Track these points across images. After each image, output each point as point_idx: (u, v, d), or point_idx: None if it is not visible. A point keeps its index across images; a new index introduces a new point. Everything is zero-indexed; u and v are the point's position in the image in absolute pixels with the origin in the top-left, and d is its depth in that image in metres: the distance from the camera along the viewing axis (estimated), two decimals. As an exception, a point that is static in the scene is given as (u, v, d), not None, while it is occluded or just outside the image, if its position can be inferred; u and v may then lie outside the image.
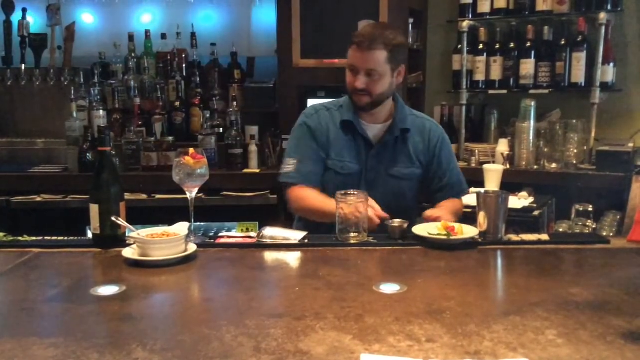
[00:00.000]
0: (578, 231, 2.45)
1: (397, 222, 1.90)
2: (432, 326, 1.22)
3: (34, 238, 1.91)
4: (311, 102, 3.32)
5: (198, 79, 3.57)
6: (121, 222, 1.80)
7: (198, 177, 1.84)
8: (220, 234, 1.97)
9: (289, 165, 2.20)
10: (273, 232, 1.91)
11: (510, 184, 2.90)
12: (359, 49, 2.06)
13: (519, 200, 2.87)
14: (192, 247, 1.74)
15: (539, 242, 1.88)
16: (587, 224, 2.47)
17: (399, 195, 2.17)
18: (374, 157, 2.18)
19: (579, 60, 3.21)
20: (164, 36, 3.67)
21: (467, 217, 2.17)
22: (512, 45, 3.42)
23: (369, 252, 1.81)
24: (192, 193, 1.84)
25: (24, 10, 3.63)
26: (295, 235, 1.89)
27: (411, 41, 3.53)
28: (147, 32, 3.67)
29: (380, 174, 2.17)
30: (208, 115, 3.38)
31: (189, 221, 1.85)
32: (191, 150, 1.86)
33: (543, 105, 3.33)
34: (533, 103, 3.22)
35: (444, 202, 2.21)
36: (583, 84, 3.22)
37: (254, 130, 3.42)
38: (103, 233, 1.82)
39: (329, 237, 1.91)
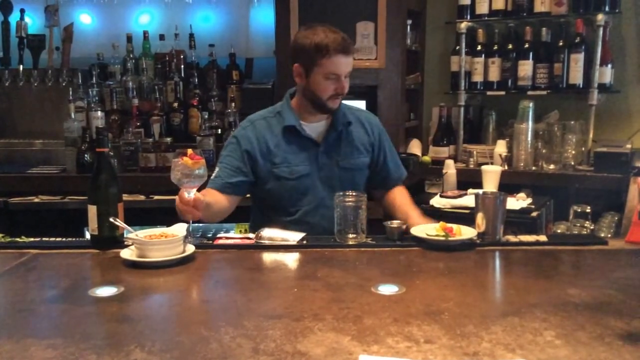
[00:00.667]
0: (576, 232, 2.45)
1: (395, 223, 1.91)
2: (431, 327, 1.22)
3: (32, 239, 1.91)
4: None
5: (196, 80, 3.57)
6: (119, 223, 1.80)
7: (196, 178, 1.84)
8: (219, 235, 1.97)
9: (214, 173, 2.18)
10: (271, 233, 1.91)
11: (508, 185, 2.90)
12: (345, 55, 2.09)
13: (517, 202, 2.87)
14: (191, 248, 1.74)
15: (537, 243, 1.88)
16: (585, 225, 2.47)
17: (354, 187, 2.13)
18: (323, 154, 2.20)
19: (577, 61, 3.21)
20: (162, 37, 3.66)
21: (466, 218, 2.17)
22: (510, 46, 3.42)
23: (367, 253, 1.81)
24: (190, 193, 1.83)
25: (22, 11, 3.63)
26: (294, 236, 1.89)
27: (409, 42, 3.54)
28: (145, 33, 3.67)
29: (333, 169, 2.19)
30: (206, 116, 3.38)
31: (188, 222, 1.85)
32: (189, 150, 1.86)
33: (541, 107, 3.33)
34: (531, 104, 3.22)
35: (402, 203, 2.27)
36: (581, 85, 3.22)
37: (252, 131, 3.41)
38: (101, 234, 1.82)
39: (327, 238, 1.91)
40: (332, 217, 1.92)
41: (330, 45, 2.06)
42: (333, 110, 2.18)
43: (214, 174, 2.16)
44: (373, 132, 2.30)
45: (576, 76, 3.22)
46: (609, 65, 3.22)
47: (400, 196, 2.32)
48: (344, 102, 2.28)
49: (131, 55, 3.63)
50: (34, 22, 3.77)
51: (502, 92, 3.45)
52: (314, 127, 2.22)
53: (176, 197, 1.86)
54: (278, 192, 2.18)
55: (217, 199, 2.09)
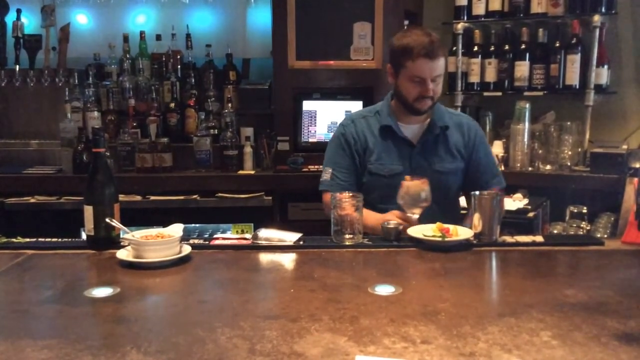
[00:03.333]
0: (572, 233, 2.46)
1: (392, 223, 1.91)
2: (427, 327, 1.22)
3: (28, 240, 1.90)
4: (306, 104, 3.34)
5: (193, 80, 3.56)
6: (115, 223, 1.79)
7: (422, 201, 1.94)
8: (215, 236, 1.97)
9: (326, 174, 2.30)
10: (268, 234, 1.91)
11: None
12: (429, 59, 2.11)
13: (514, 202, 2.88)
14: (187, 249, 1.74)
15: (534, 243, 1.89)
16: (582, 225, 2.48)
17: (446, 190, 2.22)
18: (419, 155, 2.24)
19: (573, 62, 3.21)
20: (158, 37, 3.66)
21: (462, 218, 2.18)
22: (506, 47, 3.42)
23: (363, 253, 1.81)
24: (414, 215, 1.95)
25: (19, 11, 3.62)
26: (290, 237, 1.89)
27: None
28: (141, 33, 3.66)
29: (427, 171, 2.19)
30: (203, 117, 3.37)
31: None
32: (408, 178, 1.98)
33: (537, 107, 3.34)
34: (527, 105, 3.22)
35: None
36: (577, 86, 3.23)
37: (249, 131, 3.42)
38: (97, 234, 1.81)
39: (324, 239, 1.91)
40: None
41: (415, 49, 2.11)
42: (422, 112, 2.22)
43: (327, 177, 2.27)
44: (470, 136, 2.29)
45: (572, 77, 3.23)
46: (605, 66, 3.23)
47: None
48: (444, 107, 2.35)
49: (128, 56, 3.62)
50: (30, 22, 3.76)
51: (499, 93, 3.45)
52: (411, 128, 2.27)
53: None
54: (372, 187, 2.24)
55: None
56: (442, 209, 2.12)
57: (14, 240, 1.90)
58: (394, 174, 2.20)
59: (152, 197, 3.16)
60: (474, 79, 3.50)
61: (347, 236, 1.86)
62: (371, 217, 2.06)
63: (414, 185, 1.95)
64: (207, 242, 1.89)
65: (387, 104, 2.31)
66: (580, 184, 3.05)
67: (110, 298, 1.42)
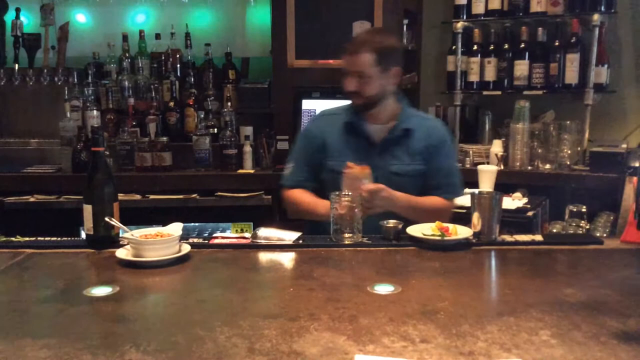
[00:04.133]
0: (572, 232, 2.46)
1: (391, 222, 1.91)
2: (426, 327, 1.22)
3: (27, 238, 1.90)
4: (306, 103, 3.34)
5: (192, 79, 3.56)
6: (115, 222, 1.79)
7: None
8: (215, 235, 1.97)
9: (287, 169, 2.35)
10: (267, 233, 1.91)
11: (504, 185, 2.91)
12: (349, 54, 2.19)
13: (513, 201, 2.88)
14: (186, 248, 1.74)
15: (533, 242, 1.89)
16: (581, 224, 2.48)
17: (403, 192, 2.18)
18: (377, 155, 2.23)
19: (573, 61, 3.22)
20: (158, 36, 3.66)
21: (461, 217, 2.18)
22: (506, 46, 3.42)
23: (363, 252, 1.81)
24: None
25: (18, 10, 3.62)
26: (290, 236, 1.89)
27: (405, 42, 3.54)
28: (141, 32, 3.66)
29: (384, 171, 2.20)
30: (202, 116, 3.38)
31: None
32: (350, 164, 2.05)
33: (537, 106, 3.34)
34: (527, 104, 3.23)
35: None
36: (577, 85, 3.23)
37: (248, 130, 3.42)
38: (97, 233, 1.81)
39: (323, 238, 1.91)
40: (379, 216, 1.98)
41: (346, 45, 2.20)
42: (355, 107, 2.25)
43: (287, 172, 2.34)
44: (432, 141, 2.28)
45: (572, 76, 3.23)
46: (605, 65, 3.23)
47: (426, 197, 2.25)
48: (415, 110, 2.40)
49: (127, 55, 3.62)
50: (29, 21, 3.76)
51: (498, 92, 3.45)
52: (377, 128, 2.28)
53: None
54: (330, 184, 2.22)
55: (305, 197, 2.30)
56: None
57: (13, 239, 1.90)
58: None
59: (152, 196, 3.16)
60: (474, 78, 3.50)
61: (346, 235, 1.86)
62: (320, 204, 2.16)
63: (356, 171, 2.02)
64: (206, 241, 1.89)
65: None
66: (579, 183, 3.05)
67: (110, 297, 1.42)
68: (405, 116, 2.29)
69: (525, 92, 3.35)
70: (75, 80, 3.51)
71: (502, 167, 3.21)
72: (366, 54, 2.15)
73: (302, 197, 2.30)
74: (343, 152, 2.24)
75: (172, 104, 3.49)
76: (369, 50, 2.16)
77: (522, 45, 3.36)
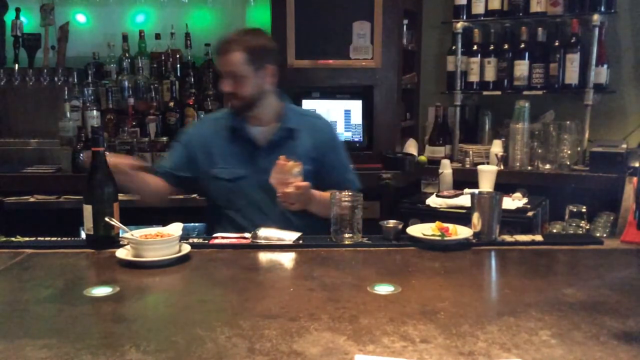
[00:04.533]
0: (572, 232, 2.46)
1: (391, 222, 1.91)
2: (426, 327, 1.22)
3: (27, 239, 1.90)
4: (306, 103, 3.34)
5: (192, 79, 3.56)
6: (115, 222, 1.79)
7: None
8: (215, 235, 1.97)
9: (162, 160, 2.31)
10: (267, 233, 1.91)
11: (504, 185, 2.91)
12: (219, 54, 2.16)
13: (513, 201, 2.88)
14: (186, 248, 1.74)
15: (533, 242, 1.89)
16: (581, 224, 2.48)
17: None
18: (264, 159, 2.16)
19: (573, 61, 3.21)
20: (158, 36, 3.65)
21: (461, 217, 2.18)
22: (506, 46, 3.42)
23: (363, 252, 1.81)
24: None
25: (18, 10, 3.61)
26: (290, 236, 1.89)
27: (406, 42, 3.53)
28: (141, 32, 3.66)
29: (270, 174, 2.12)
30: (202, 116, 3.37)
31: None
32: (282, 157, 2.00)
33: (537, 107, 3.33)
34: (527, 104, 3.22)
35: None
36: (577, 86, 3.22)
37: (248, 130, 3.41)
38: (97, 234, 1.81)
39: (323, 238, 1.91)
40: (268, 222, 2.01)
41: (217, 45, 2.19)
42: (234, 109, 2.22)
43: (162, 161, 2.30)
44: (321, 140, 2.26)
45: (572, 76, 3.22)
46: (605, 66, 3.23)
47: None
48: (297, 108, 2.37)
49: (127, 55, 3.61)
50: (29, 21, 3.76)
51: (498, 92, 3.45)
52: (259, 130, 2.23)
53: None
54: (217, 192, 2.22)
55: (157, 182, 2.22)
56: (293, 214, 2.11)
57: (13, 239, 1.90)
58: (236, 177, 2.18)
59: (152, 197, 3.16)
60: (474, 78, 3.49)
61: (346, 235, 1.86)
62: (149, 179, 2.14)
63: (289, 165, 1.99)
64: (206, 242, 1.89)
65: None
66: (579, 183, 3.05)
67: (110, 297, 1.42)
68: (289, 115, 2.25)
69: (525, 92, 3.35)
70: (75, 80, 3.50)
71: (502, 167, 3.21)
72: (236, 53, 2.10)
73: (147, 178, 2.19)
74: (228, 159, 2.20)
75: (172, 104, 3.49)
76: (239, 50, 2.11)
77: (522, 46, 3.36)
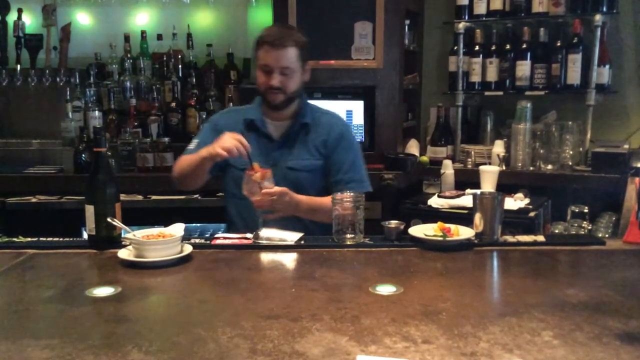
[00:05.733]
0: (574, 232, 2.45)
1: (393, 223, 1.91)
2: (428, 327, 1.22)
3: (29, 239, 1.90)
4: (307, 103, 3.34)
5: (194, 80, 3.56)
6: (117, 223, 1.79)
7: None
8: (216, 235, 1.97)
9: (191, 145, 2.28)
10: (269, 233, 1.91)
11: (506, 186, 2.90)
12: (273, 48, 2.13)
13: (515, 202, 2.88)
14: (188, 248, 1.74)
15: (535, 243, 1.88)
16: (583, 225, 2.47)
17: (299, 187, 2.16)
18: (276, 151, 2.23)
19: (575, 62, 3.21)
20: (159, 37, 3.66)
21: (463, 218, 2.17)
22: (508, 46, 3.42)
23: (365, 253, 1.81)
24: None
25: (20, 11, 3.62)
26: (292, 236, 1.89)
27: (407, 42, 3.53)
28: (143, 32, 3.66)
29: (280, 167, 2.18)
30: (204, 116, 3.37)
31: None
32: (256, 165, 2.00)
33: (539, 107, 3.33)
34: (529, 104, 3.22)
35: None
36: (579, 86, 3.22)
37: (250, 131, 3.41)
38: (98, 234, 1.82)
39: (325, 238, 1.91)
40: (280, 220, 2.02)
41: (263, 38, 2.16)
42: (275, 106, 2.22)
43: (191, 147, 2.25)
44: (332, 136, 2.26)
45: (574, 76, 3.22)
46: (607, 66, 3.22)
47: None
48: (315, 105, 2.37)
49: (129, 55, 3.62)
50: (31, 22, 3.77)
51: (500, 93, 3.44)
52: (277, 125, 2.27)
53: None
54: (229, 179, 2.26)
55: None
56: None
57: (15, 239, 1.90)
58: (247, 167, 2.16)
59: (153, 197, 3.16)
60: (475, 78, 3.49)
61: (348, 235, 1.86)
62: (202, 151, 2.08)
63: (257, 176, 1.99)
64: (208, 242, 1.89)
65: (260, 100, 2.30)
66: (581, 184, 3.04)
67: (112, 297, 1.42)
68: (305, 111, 2.28)
69: (527, 93, 3.34)
70: (77, 80, 3.51)
71: (503, 168, 3.21)
72: (292, 48, 2.14)
73: (184, 157, 2.23)
74: None
75: (173, 104, 3.49)
76: (293, 45, 2.14)
77: (524, 46, 3.35)
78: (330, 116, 2.37)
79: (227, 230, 2.26)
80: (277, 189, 2.01)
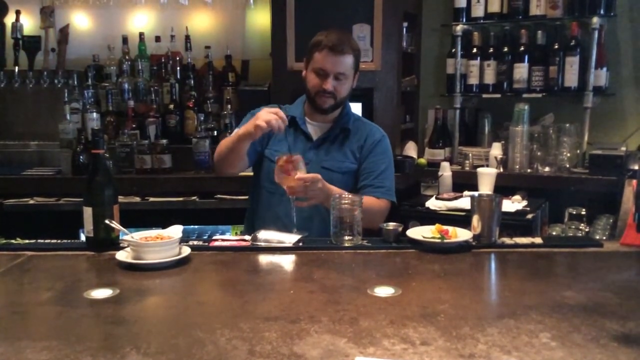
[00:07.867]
0: (571, 234, 2.46)
1: (391, 225, 1.91)
2: (427, 329, 1.22)
3: (27, 241, 1.90)
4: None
5: (192, 82, 3.56)
6: (115, 224, 1.79)
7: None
8: (214, 237, 1.97)
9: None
10: (267, 235, 1.91)
11: (503, 188, 2.91)
12: (332, 53, 2.17)
13: (513, 204, 2.88)
14: (186, 250, 1.74)
15: (533, 245, 1.89)
16: (580, 227, 2.48)
17: None
18: (312, 150, 2.27)
19: (572, 64, 3.22)
20: (158, 39, 3.66)
21: (461, 220, 2.18)
22: (505, 49, 3.43)
23: (363, 255, 1.81)
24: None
25: (18, 12, 3.62)
26: (290, 238, 1.89)
27: (405, 45, 3.54)
28: (141, 34, 3.66)
29: (315, 166, 2.20)
30: (202, 118, 3.37)
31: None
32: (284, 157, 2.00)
33: (536, 109, 3.34)
34: (526, 107, 3.23)
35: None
36: (576, 88, 3.23)
37: (248, 133, 3.41)
38: (97, 236, 1.81)
39: (323, 240, 1.91)
40: (302, 211, 2.05)
41: (323, 42, 2.18)
42: (323, 109, 2.25)
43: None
44: (367, 142, 2.30)
45: (571, 79, 3.23)
46: (604, 68, 3.24)
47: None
48: (357, 115, 2.43)
49: (127, 57, 3.62)
50: (29, 24, 3.76)
51: (498, 95, 3.45)
52: (317, 125, 2.32)
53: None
54: (265, 171, 2.28)
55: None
56: (325, 208, 2.11)
57: (13, 241, 1.90)
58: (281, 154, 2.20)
59: (152, 199, 3.16)
60: (473, 80, 3.50)
61: (346, 237, 1.86)
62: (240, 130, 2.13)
63: (288, 160, 1.99)
64: (206, 244, 1.89)
65: (303, 99, 2.36)
66: (579, 186, 3.05)
67: (110, 299, 1.42)
68: (347, 117, 2.33)
69: (525, 95, 3.35)
70: (75, 82, 3.51)
71: (501, 170, 3.21)
72: (350, 56, 2.20)
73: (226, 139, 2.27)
74: (280, 144, 2.26)
75: (172, 106, 3.49)
76: (351, 52, 2.20)
77: (522, 48, 3.36)
78: (371, 125, 2.41)
79: (247, 232, 2.25)
80: (310, 175, 2.00)
